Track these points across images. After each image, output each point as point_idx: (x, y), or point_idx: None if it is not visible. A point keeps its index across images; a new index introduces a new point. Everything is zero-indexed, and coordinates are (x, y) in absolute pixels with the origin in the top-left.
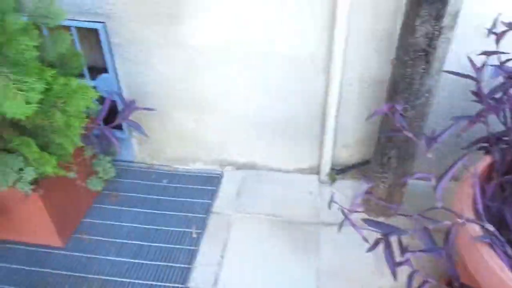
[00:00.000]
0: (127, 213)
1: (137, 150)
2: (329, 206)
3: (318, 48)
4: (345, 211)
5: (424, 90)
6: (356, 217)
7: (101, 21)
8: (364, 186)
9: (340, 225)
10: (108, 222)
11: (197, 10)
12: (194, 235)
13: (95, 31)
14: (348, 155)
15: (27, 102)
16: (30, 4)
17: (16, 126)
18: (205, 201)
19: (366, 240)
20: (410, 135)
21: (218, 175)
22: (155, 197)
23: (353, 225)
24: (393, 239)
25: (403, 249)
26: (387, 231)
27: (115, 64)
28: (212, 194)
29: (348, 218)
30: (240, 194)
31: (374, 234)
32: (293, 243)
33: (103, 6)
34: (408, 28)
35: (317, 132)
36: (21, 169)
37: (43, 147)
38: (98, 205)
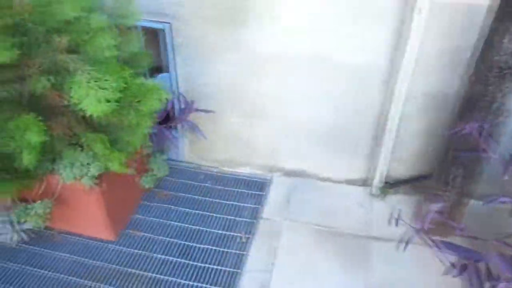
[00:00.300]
0: (176, 212)
1: (186, 150)
2: (396, 223)
3: (380, 60)
4: (412, 228)
5: (504, 109)
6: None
7: (167, 21)
8: (430, 204)
9: (406, 243)
10: (158, 219)
11: (266, 17)
12: (243, 240)
13: (154, 31)
14: (402, 169)
15: (106, 100)
16: (109, 3)
17: (88, 122)
18: (254, 206)
19: (453, 265)
20: (495, 156)
21: (267, 181)
22: (203, 198)
23: (430, 245)
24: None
25: (493, 277)
26: (470, 257)
27: (175, 64)
28: (261, 200)
29: (430, 239)
30: (289, 201)
31: (426, 251)
32: (344, 256)
33: (170, 7)
34: (493, 45)
35: (371, 144)
36: (87, 164)
37: (111, 144)
38: (148, 202)
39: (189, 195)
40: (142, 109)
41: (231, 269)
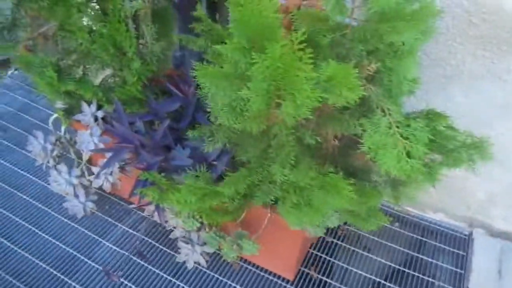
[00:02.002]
0: (356, 255)
1: None
2: None
3: None
4: None
5: None
6: None
7: None
8: None
9: None
10: (335, 260)
11: None
12: None
13: None
14: None
15: (408, 156)
16: None
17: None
18: (454, 269)
19: None
20: None
21: (466, 237)
22: (388, 243)
23: None
24: None
25: None
26: None
27: None
28: (463, 262)
29: None
30: (500, 272)
31: None
32: None
33: None
34: None
35: None
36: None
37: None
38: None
39: (370, 236)
40: (435, 166)
41: None
